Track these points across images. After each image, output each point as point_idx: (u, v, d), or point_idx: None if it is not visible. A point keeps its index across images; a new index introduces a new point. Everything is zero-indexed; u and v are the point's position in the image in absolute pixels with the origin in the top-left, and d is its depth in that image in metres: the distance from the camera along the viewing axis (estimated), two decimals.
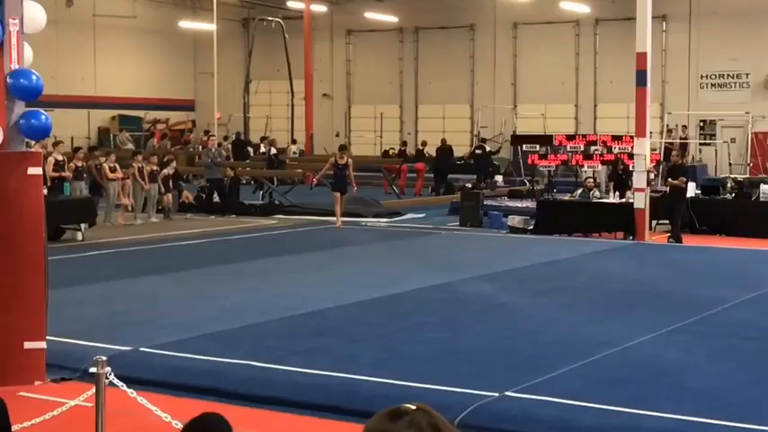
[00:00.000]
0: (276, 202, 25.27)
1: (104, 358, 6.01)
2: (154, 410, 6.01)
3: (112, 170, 21.63)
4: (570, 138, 24.48)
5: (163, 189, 22.49)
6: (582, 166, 23.75)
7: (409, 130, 39.95)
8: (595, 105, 36.81)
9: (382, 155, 36.20)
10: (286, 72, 34.36)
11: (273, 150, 32.43)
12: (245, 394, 8.07)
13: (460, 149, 34.16)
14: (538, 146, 24.90)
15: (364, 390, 8.04)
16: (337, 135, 41.22)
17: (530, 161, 25.09)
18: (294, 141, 35.59)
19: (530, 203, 22.78)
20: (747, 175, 27.08)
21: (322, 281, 14.00)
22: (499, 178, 30.47)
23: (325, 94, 40.62)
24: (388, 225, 22.18)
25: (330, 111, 41.01)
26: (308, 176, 30.09)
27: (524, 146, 26.54)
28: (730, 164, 31.45)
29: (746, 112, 31.55)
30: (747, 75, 33.97)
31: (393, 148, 36.35)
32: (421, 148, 33.19)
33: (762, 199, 20.01)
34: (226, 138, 35.82)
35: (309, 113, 36.30)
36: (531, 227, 20.34)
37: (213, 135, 28.94)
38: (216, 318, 11.02)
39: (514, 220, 20.75)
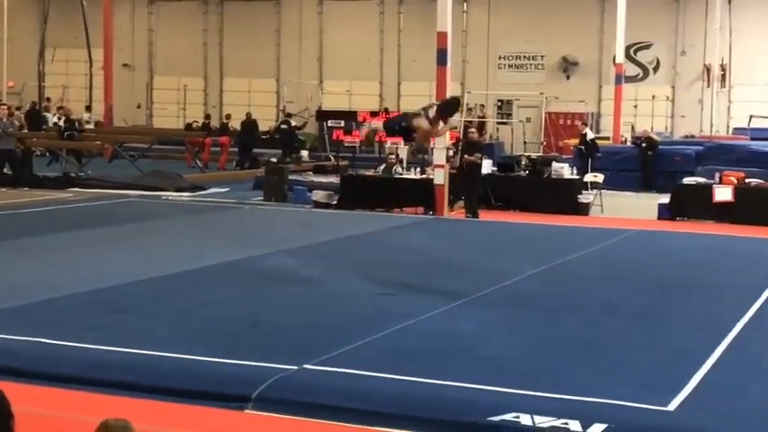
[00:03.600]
0: (72, 174, 24.39)
1: None
2: None
3: None
4: (374, 114, 24.81)
5: None
6: (385, 142, 24.11)
7: (214, 104, 39.43)
8: (399, 83, 37.40)
9: (185, 128, 35.52)
10: (84, 40, 33.10)
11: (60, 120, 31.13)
12: (37, 372, 7.76)
13: (266, 124, 34.01)
14: (343, 122, 25.10)
15: (162, 366, 7.91)
16: (138, 106, 40.22)
17: (335, 137, 25.29)
18: (88, 108, 34.29)
19: (334, 179, 22.95)
20: (541, 154, 28.24)
21: (119, 256, 13.63)
22: (305, 153, 30.53)
23: (125, 65, 39.47)
24: (190, 199, 21.84)
25: (131, 81, 39.91)
26: (106, 149, 29.21)
27: (330, 121, 26.69)
28: (525, 142, 32.72)
29: (541, 93, 32.86)
30: (542, 57, 35.35)
31: (197, 121, 35.74)
32: (225, 121, 32.79)
33: (553, 176, 20.89)
34: (18, 107, 34.23)
35: (109, 84, 35.13)
36: (335, 202, 20.52)
37: (4, 104, 27.57)
38: (5, 294, 10.55)
39: (319, 195, 20.88)
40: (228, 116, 33.18)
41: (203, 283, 11.80)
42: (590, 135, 26.33)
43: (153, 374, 7.69)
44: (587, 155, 25.12)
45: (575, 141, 28.83)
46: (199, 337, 8.89)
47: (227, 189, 23.96)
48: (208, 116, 35.02)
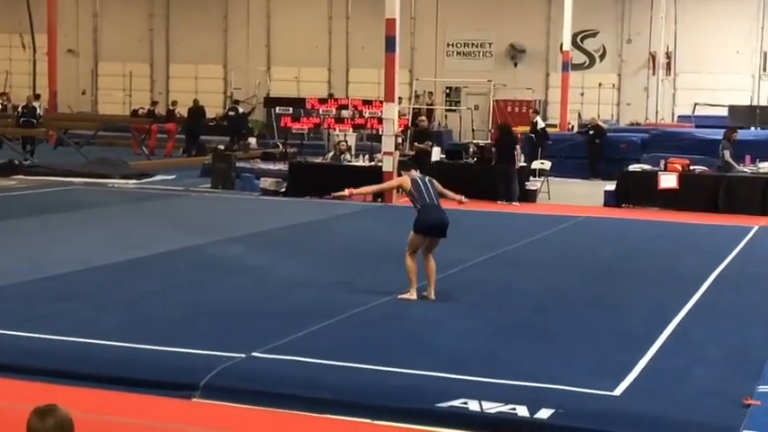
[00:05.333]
0: (16, 161, 23.99)
1: None
2: None
3: None
4: (323, 101, 24.72)
5: None
6: (334, 129, 24.04)
7: (160, 90, 39.03)
8: (348, 70, 37.32)
9: (131, 114, 35.15)
10: (27, 25, 32.55)
11: None
12: None
13: (213, 110, 33.75)
14: (291, 108, 24.98)
15: (108, 355, 7.82)
16: (83, 93, 39.70)
17: (283, 124, 25.15)
18: (37, 97, 33.83)
19: (282, 166, 22.84)
20: (489, 141, 28.31)
21: (65, 244, 13.47)
22: (252, 140, 30.36)
23: (70, 50, 38.90)
24: (136, 187, 21.61)
25: (76, 67, 39.35)
26: (50, 135, 28.79)
27: (278, 108, 26.52)
28: (473, 129, 32.82)
29: (489, 80, 32.96)
30: (491, 44, 35.47)
31: (143, 108, 35.36)
32: (172, 108, 32.47)
33: None
34: None
35: (53, 70, 34.55)
36: (284, 189, 20.44)
37: None
38: None
39: (267, 183, 20.77)
40: (175, 103, 32.85)
41: (150, 271, 11.70)
42: (541, 123, 26.41)
43: (99, 363, 7.60)
44: (538, 143, 25.20)
45: (523, 129, 28.94)
46: (145, 326, 8.81)
47: (173, 176, 23.73)
48: (154, 103, 34.67)
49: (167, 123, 30.40)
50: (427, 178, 10.51)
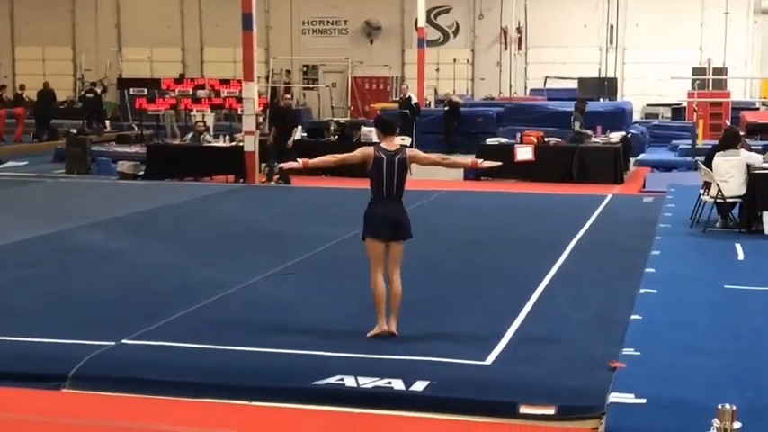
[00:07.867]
0: None
1: None
2: None
3: None
4: (178, 81, 24.31)
5: None
6: (191, 110, 23.68)
7: (6, 74, 37.64)
8: (202, 49, 36.77)
9: None
10: None
11: None
12: None
13: (63, 93, 32.77)
14: (146, 90, 24.49)
15: None
16: None
17: (137, 105, 24.62)
18: None
19: (139, 148, 22.37)
20: (348, 118, 28.43)
21: None
22: (106, 123, 29.64)
23: None
24: None
25: None
26: None
27: (132, 90, 25.96)
28: (332, 107, 32.86)
29: (346, 58, 33.05)
30: (346, 21, 35.51)
31: None
32: (20, 92, 31.37)
33: (362, 140, 21.04)
34: None
35: None
36: (142, 172, 20.02)
37: None
38: None
39: (124, 166, 20.31)
40: (23, 86, 31.77)
41: (7, 261, 11.30)
42: (414, 99, 26.48)
43: None
44: (412, 118, 25.29)
45: (381, 105, 29.15)
46: (7, 317, 8.52)
47: (25, 162, 23.01)
48: (2, 87, 33.41)
49: (16, 108, 29.38)
50: (398, 158, 8.18)
